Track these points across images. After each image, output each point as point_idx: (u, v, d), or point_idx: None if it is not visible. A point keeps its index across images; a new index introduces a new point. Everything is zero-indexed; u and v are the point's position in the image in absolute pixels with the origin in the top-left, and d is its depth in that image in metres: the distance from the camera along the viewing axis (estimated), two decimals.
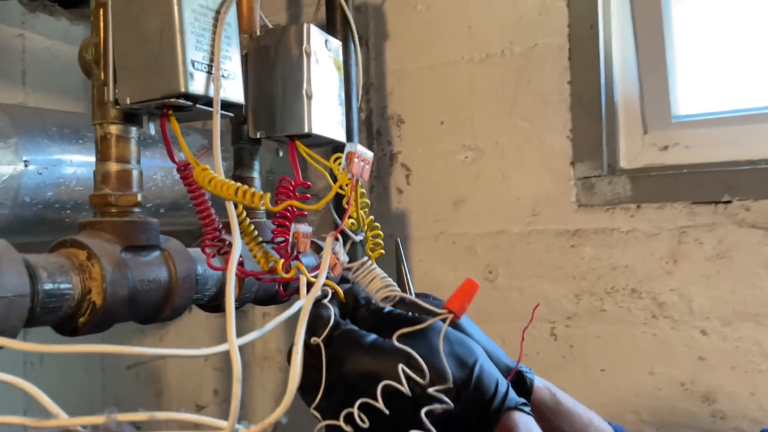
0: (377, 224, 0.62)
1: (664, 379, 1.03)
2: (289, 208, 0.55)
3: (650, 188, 1.06)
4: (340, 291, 0.54)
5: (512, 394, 0.51)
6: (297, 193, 0.59)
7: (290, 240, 0.50)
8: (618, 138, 1.13)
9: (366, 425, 0.45)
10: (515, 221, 1.17)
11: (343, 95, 0.68)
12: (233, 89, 0.53)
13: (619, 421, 1.07)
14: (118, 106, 0.51)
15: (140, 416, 0.36)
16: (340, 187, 0.52)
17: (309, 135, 0.62)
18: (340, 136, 0.67)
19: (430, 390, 0.45)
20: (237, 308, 0.64)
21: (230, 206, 0.49)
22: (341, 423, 0.45)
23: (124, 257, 0.50)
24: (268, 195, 0.48)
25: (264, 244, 0.55)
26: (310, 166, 0.65)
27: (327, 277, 0.51)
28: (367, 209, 0.60)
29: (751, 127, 1.04)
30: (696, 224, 1.02)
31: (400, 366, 0.45)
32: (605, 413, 1.08)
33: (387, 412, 0.45)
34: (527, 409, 0.51)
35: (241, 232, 0.56)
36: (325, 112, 0.64)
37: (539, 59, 1.15)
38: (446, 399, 0.45)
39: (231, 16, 0.54)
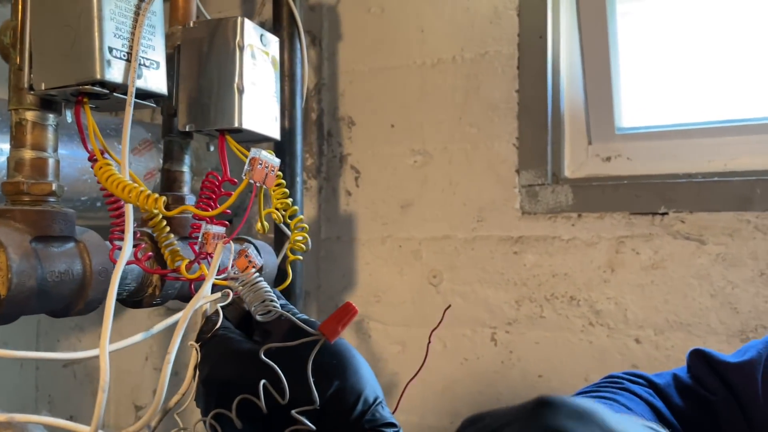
0: (305, 225, 0.61)
1: None
2: (211, 203, 0.54)
3: (591, 198, 1.07)
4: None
5: (381, 414, 0.47)
6: (222, 190, 0.58)
7: (199, 240, 0.49)
8: (563, 147, 1.15)
9: None
10: (461, 227, 1.17)
11: (279, 91, 0.67)
12: (155, 79, 0.52)
13: None
14: (33, 92, 0.49)
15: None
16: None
17: (240, 130, 0.61)
18: (274, 132, 0.66)
19: (293, 412, 0.43)
20: (159, 305, 0.62)
21: (127, 207, 0.48)
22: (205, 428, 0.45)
23: (34, 247, 0.49)
24: (163, 199, 0.47)
25: (175, 243, 0.54)
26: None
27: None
28: (294, 211, 0.60)
29: (689, 142, 1.07)
30: (633, 234, 1.04)
31: (263, 382, 0.44)
32: None
33: (239, 426, 0.43)
34: (390, 430, 0.47)
35: (152, 228, 0.55)
36: (258, 108, 0.63)
37: (489, 67, 1.16)
38: (308, 423, 0.44)
39: (157, 5, 0.52)
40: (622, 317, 1.04)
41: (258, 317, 0.47)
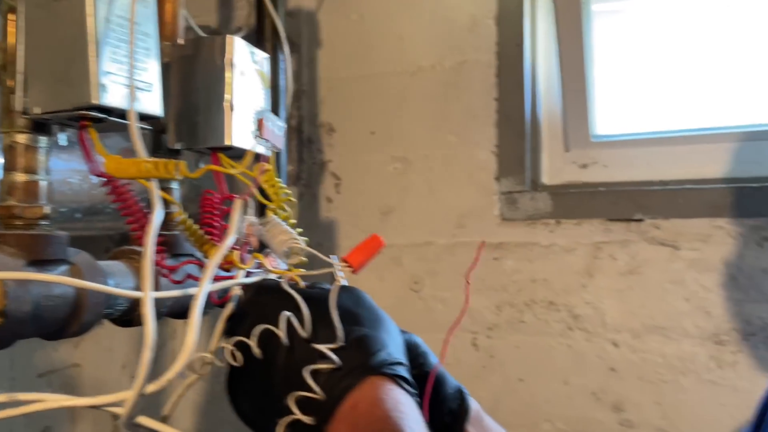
0: (293, 200, 0.61)
1: (577, 389, 1.08)
2: (215, 220, 0.55)
3: (569, 205, 1.10)
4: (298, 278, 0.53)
5: (393, 358, 0.44)
6: (224, 207, 0.58)
7: (236, 232, 0.50)
8: (541, 155, 1.17)
9: (237, 363, 0.43)
10: (441, 233, 1.19)
11: (269, 106, 0.68)
12: (150, 101, 0.52)
13: (533, 429, 1.10)
14: (26, 115, 0.49)
15: None
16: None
17: (230, 148, 0.61)
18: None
19: (318, 346, 0.41)
20: None
21: (152, 185, 0.48)
22: (225, 351, 0.44)
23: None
24: (184, 162, 0.47)
25: (207, 238, 0.55)
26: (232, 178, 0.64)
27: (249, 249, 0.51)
28: (286, 192, 0.60)
29: (664, 149, 1.10)
30: (611, 240, 1.07)
31: (285, 314, 0.42)
32: (521, 422, 1.11)
33: (258, 353, 0.42)
34: (408, 387, 0.44)
35: (186, 231, 0.55)
36: (249, 125, 0.64)
37: (468, 75, 1.18)
38: (334, 357, 0.41)
39: (151, 27, 0.52)
40: (600, 321, 1.06)
41: (281, 255, 0.46)
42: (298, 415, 0.40)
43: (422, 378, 0.51)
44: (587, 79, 1.13)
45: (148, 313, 0.42)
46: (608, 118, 1.16)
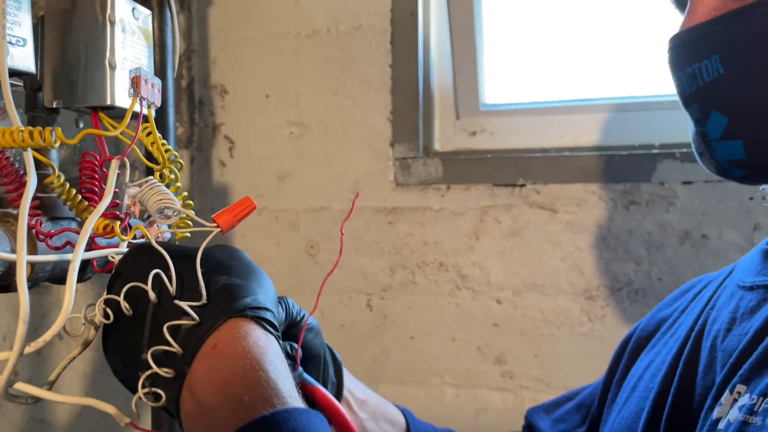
0: (181, 162, 0.61)
1: (463, 344, 1.14)
2: (96, 183, 0.53)
3: (459, 171, 1.15)
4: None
5: (259, 303, 0.44)
6: (105, 170, 0.56)
7: (124, 202, 0.48)
8: (433, 122, 1.21)
9: (108, 321, 0.43)
10: (337, 198, 1.20)
11: (153, 65, 0.66)
12: (23, 57, 0.49)
13: (423, 384, 1.16)
14: None
15: None
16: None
17: (112, 107, 0.59)
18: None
19: (179, 303, 0.42)
20: (30, 288, 0.60)
21: (27, 154, 0.46)
22: (97, 308, 0.44)
23: None
24: (60, 129, 0.46)
25: (86, 204, 0.53)
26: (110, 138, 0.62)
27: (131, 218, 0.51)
28: (169, 149, 0.59)
29: (545, 119, 1.17)
30: (496, 204, 1.13)
31: (154, 271, 0.43)
32: (412, 377, 1.17)
33: (128, 310, 0.43)
34: (272, 329, 0.44)
35: (63, 197, 0.53)
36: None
37: (363, 40, 1.19)
38: (193, 314, 0.42)
39: None
40: (485, 281, 1.13)
41: (156, 215, 0.46)
42: (155, 368, 0.41)
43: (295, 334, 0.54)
44: (477, 50, 1.17)
45: (23, 276, 0.41)
46: (495, 88, 1.22)
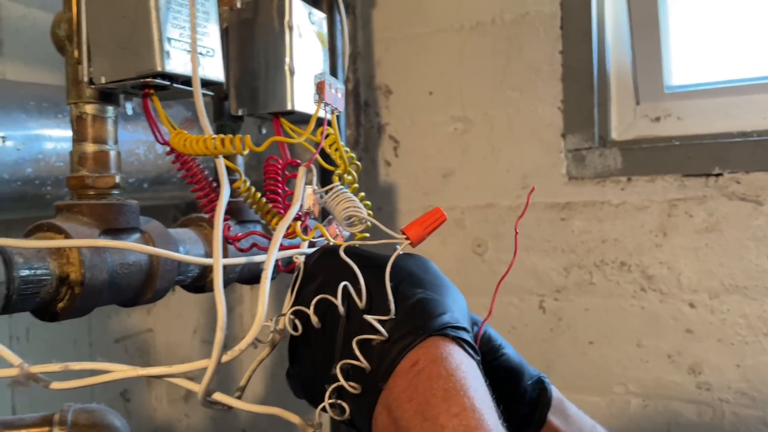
0: (358, 163, 0.60)
1: (651, 351, 1.04)
2: (279, 186, 0.54)
3: (641, 160, 1.05)
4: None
5: (457, 322, 0.42)
6: (287, 172, 0.57)
7: (305, 203, 0.49)
8: (609, 109, 1.11)
9: (296, 333, 0.43)
10: (504, 194, 1.16)
11: (328, 69, 0.66)
12: (212, 67, 0.51)
13: (605, 392, 1.08)
14: (93, 85, 0.49)
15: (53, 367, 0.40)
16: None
17: (292, 112, 0.60)
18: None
19: (368, 317, 0.40)
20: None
21: (219, 161, 0.48)
22: (287, 320, 0.44)
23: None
24: (249, 136, 0.47)
25: (270, 206, 0.55)
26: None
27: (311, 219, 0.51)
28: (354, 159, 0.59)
29: (744, 98, 1.03)
30: (686, 197, 1.01)
31: (343, 283, 0.41)
32: (592, 385, 1.09)
33: (316, 323, 0.42)
34: (472, 352, 0.42)
35: (249, 200, 0.55)
36: (310, 88, 0.62)
37: (530, 28, 1.13)
38: (382, 329, 0.40)
39: None
40: (676, 282, 1.02)
41: (343, 224, 0.46)
42: (343, 382, 0.40)
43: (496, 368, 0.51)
44: (660, 26, 1.06)
45: (220, 285, 0.42)
46: (682, 67, 1.09)
